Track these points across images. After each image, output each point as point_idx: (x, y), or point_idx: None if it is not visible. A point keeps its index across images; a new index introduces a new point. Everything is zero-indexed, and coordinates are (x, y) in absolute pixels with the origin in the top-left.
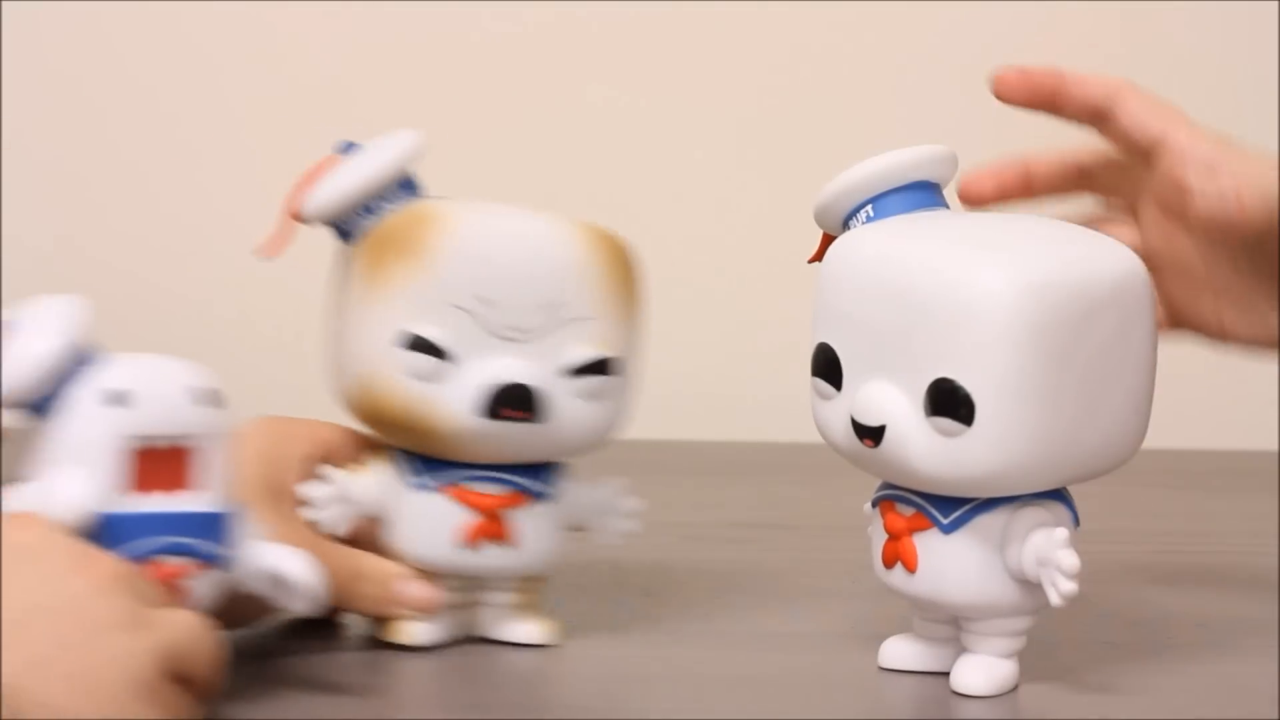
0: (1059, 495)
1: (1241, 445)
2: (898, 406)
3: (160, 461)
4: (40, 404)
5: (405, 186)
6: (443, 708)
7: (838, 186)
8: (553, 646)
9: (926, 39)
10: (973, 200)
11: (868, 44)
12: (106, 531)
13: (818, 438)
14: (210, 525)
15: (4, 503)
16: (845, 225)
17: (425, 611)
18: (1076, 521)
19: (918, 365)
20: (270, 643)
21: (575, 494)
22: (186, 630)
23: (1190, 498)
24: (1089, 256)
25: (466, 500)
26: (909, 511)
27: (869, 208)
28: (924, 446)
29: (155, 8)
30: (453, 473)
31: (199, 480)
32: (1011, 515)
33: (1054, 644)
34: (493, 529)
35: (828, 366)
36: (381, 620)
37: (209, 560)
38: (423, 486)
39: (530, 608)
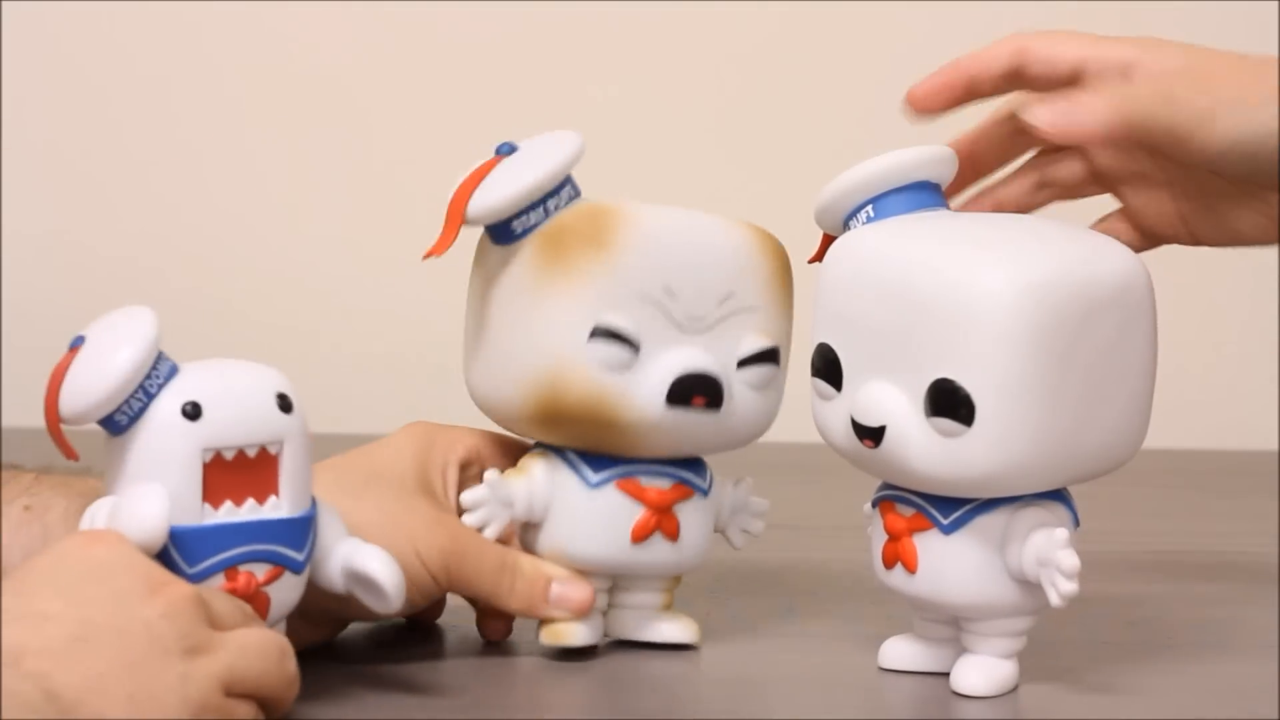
0: (1059, 495)
1: (1241, 445)
2: (898, 407)
3: (238, 469)
4: (114, 419)
5: (566, 184)
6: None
7: (838, 187)
8: (697, 646)
9: (927, 39)
10: (919, 106)
11: (869, 44)
12: (184, 544)
13: (818, 438)
14: (289, 531)
15: (82, 519)
16: (846, 225)
17: (579, 614)
18: (1077, 522)
19: (918, 365)
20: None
21: (719, 491)
22: (254, 651)
23: (1190, 498)
24: (1090, 257)
25: (640, 495)
26: (909, 512)
27: (869, 208)
28: (924, 447)
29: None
30: (623, 467)
31: (278, 486)
32: (1012, 516)
33: (1054, 644)
34: (664, 523)
35: (828, 367)
36: (494, 617)
37: (289, 566)
38: (592, 484)
39: (670, 607)
